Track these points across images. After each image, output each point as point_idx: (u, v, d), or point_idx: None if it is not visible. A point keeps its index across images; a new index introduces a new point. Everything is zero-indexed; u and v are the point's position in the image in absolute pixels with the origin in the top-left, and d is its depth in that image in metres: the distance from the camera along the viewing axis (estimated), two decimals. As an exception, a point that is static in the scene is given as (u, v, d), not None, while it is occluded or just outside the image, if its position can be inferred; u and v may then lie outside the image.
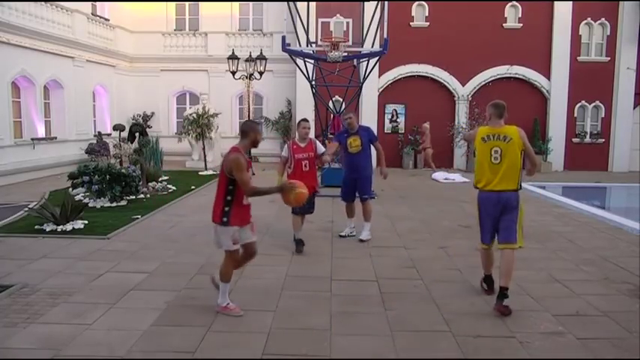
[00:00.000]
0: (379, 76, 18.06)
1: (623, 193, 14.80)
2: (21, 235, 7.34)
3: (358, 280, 5.63)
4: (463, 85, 18.51)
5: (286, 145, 7.09)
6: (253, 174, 4.70)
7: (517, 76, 18.46)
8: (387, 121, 18.85)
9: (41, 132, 14.75)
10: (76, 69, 16.18)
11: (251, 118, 16.80)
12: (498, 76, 18.46)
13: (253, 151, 17.15)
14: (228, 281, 4.63)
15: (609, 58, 18.48)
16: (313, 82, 12.84)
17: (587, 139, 18.81)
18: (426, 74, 18.53)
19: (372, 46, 11.62)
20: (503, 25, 18.32)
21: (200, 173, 15.21)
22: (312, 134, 20.97)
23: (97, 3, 18.55)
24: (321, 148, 6.94)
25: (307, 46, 12.18)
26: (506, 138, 4.76)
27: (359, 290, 5.28)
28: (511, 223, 4.90)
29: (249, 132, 4.64)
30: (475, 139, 5.00)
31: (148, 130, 16.13)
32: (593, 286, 5.54)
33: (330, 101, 12.92)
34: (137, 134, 14.13)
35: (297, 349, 3.93)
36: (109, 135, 17.21)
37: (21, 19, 13.55)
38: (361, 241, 7.29)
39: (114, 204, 9.65)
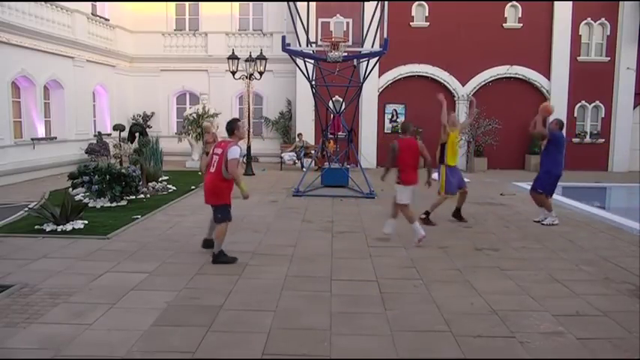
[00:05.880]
0: (379, 76, 18.06)
1: (623, 193, 14.80)
2: (21, 235, 7.33)
3: (358, 280, 5.63)
4: (463, 85, 18.51)
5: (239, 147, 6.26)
6: None
7: (517, 76, 18.46)
8: (387, 121, 18.84)
9: (41, 132, 14.74)
10: (76, 69, 16.18)
11: (251, 118, 16.79)
12: (498, 76, 18.46)
13: (253, 151, 17.24)
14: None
15: (609, 58, 18.48)
16: (313, 82, 12.83)
17: (587, 139, 18.81)
18: (426, 74, 18.52)
19: (372, 46, 11.60)
20: (503, 25, 18.32)
21: (200, 173, 15.16)
22: (312, 134, 20.81)
23: (97, 3, 18.54)
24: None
25: (307, 46, 12.16)
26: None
27: (359, 290, 5.27)
28: None
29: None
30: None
31: (148, 130, 16.15)
32: (593, 286, 5.53)
33: (330, 101, 12.91)
34: (137, 134, 14.14)
35: (297, 349, 3.93)
36: (109, 135, 17.21)
37: (21, 19, 13.55)
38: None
39: (114, 204, 9.65)
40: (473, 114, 10.11)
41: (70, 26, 15.98)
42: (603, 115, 18.78)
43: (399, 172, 7.31)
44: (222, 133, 19.43)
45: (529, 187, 9.28)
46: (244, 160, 15.84)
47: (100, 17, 18.35)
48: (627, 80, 18.37)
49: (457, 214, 8.98)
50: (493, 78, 18.46)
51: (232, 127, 6.23)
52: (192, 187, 12.26)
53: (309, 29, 12.19)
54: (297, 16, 11.54)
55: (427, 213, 8.62)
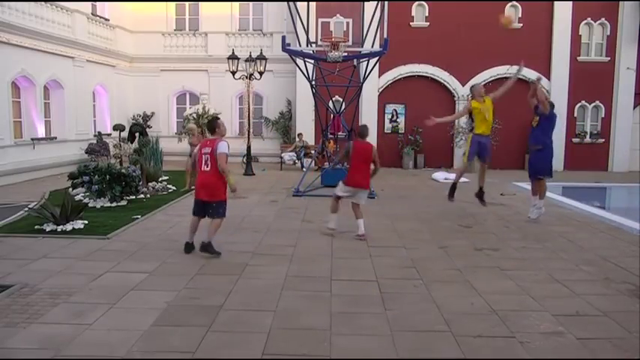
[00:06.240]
0: (379, 76, 18.07)
1: (623, 193, 14.80)
2: (21, 235, 7.33)
3: (358, 280, 5.62)
4: (463, 85, 18.50)
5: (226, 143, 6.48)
6: None
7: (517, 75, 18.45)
8: (387, 121, 18.86)
9: (41, 132, 14.75)
10: (76, 69, 16.18)
11: (251, 118, 16.80)
12: (498, 76, 18.41)
13: (253, 151, 17.24)
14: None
15: (609, 58, 18.49)
16: (313, 82, 12.83)
17: (587, 139, 18.82)
18: (426, 74, 18.54)
19: (372, 46, 11.60)
20: (504, 25, 18.32)
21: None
22: (312, 134, 20.83)
23: (97, 3, 18.55)
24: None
25: (307, 46, 12.16)
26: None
27: (359, 290, 5.27)
28: None
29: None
30: None
31: (148, 130, 16.14)
32: (593, 286, 5.53)
33: (330, 101, 12.92)
34: (137, 134, 14.13)
35: (297, 349, 3.93)
36: (109, 135, 17.21)
37: (21, 19, 13.55)
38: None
39: (114, 204, 9.65)
40: (510, 84, 9.51)
41: (70, 26, 15.98)
42: (603, 115, 18.80)
43: (347, 171, 7.80)
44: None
45: (528, 181, 9.26)
46: (244, 160, 15.86)
47: (100, 17, 18.36)
48: (627, 80, 18.38)
49: (480, 194, 9.12)
50: (493, 78, 18.43)
51: (213, 125, 6.65)
52: (193, 187, 12.23)
53: (309, 29, 12.20)
54: (297, 16, 11.54)
55: (480, 189, 9.15)
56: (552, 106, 9.01)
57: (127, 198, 10.08)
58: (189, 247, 6.59)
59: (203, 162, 6.39)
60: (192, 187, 6.88)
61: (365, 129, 7.90)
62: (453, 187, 9.12)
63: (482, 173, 9.17)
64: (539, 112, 8.68)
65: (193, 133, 12.63)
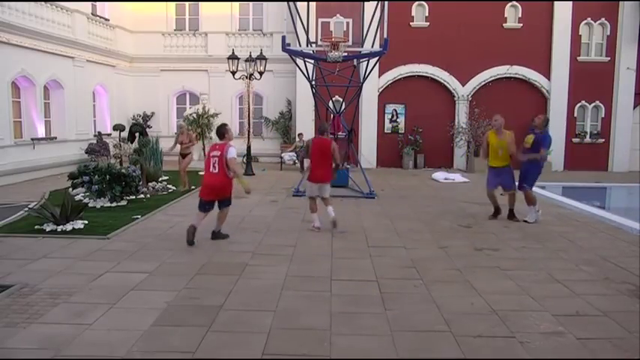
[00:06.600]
0: (379, 76, 18.07)
1: (623, 193, 14.81)
2: (21, 235, 7.33)
3: (358, 280, 5.62)
4: (463, 85, 18.52)
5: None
6: None
7: (517, 76, 18.47)
8: (387, 121, 18.86)
9: (41, 132, 14.75)
10: (76, 69, 16.18)
11: (251, 118, 16.81)
12: (498, 76, 18.47)
13: (253, 151, 17.25)
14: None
15: (609, 58, 18.49)
16: (313, 82, 12.83)
17: (587, 139, 18.82)
18: (426, 74, 18.54)
19: (372, 46, 11.59)
20: (503, 25, 18.33)
21: (200, 173, 15.05)
22: (312, 134, 21.00)
23: (97, 3, 18.55)
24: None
25: (307, 46, 12.15)
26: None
27: (359, 290, 5.27)
28: None
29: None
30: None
31: (147, 130, 16.15)
32: (593, 286, 5.53)
33: (330, 101, 12.91)
34: (137, 134, 14.15)
35: (297, 349, 3.93)
36: (109, 135, 17.21)
37: (21, 19, 13.55)
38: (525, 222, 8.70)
39: (114, 204, 9.65)
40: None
41: (70, 26, 15.98)
42: (603, 115, 18.79)
43: (309, 169, 8.04)
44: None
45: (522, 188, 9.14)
46: (244, 160, 15.86)
47: (100, 17, 18.35)
48: (627, 80, 18.38)
49: (510, 215, 9.03)
50: (493, 78, 18.47)
51: (222, 131, 7.08)
52: (192, 187, 12.25)
53: (309, 29, 12.18)
54: (297, 16, 11.53)
55: (510, 211, 9.04)
56: (547, 122, 8.97)
57: (127, 198, 10.08)
58: (191, 233, 6.77)
59: (211, 164, 6.81)
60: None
61: (323, 126, 8.28)
62: (496, 211, 9.15)
63: (510, 199, 9.04)
64: (536, 132, 8.65)
65: (182, 132, 12.64)
